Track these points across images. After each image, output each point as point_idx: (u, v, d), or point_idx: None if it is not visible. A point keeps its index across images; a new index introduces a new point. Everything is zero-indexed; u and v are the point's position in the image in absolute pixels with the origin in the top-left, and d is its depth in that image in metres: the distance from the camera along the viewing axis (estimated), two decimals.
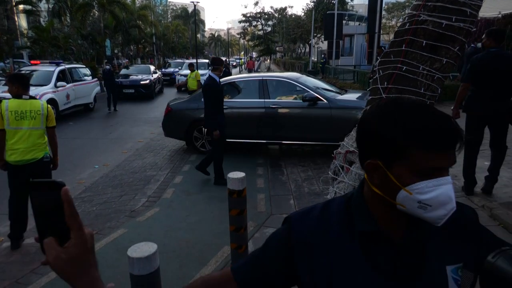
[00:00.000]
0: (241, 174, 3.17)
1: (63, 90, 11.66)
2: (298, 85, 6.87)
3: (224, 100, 6.03)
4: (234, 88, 7.42)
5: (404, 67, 1.60)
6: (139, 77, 17.66)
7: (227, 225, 3.38)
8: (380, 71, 1.67)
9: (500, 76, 3.98)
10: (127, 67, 22.40)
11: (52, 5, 30.51)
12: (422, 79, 1.58)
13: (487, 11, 11.97)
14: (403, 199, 0.76)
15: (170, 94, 18.98)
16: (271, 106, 6.74)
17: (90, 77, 14.52)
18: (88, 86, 13.73)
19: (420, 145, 0.73)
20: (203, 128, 7.06)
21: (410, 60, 1.60)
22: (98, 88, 14.91)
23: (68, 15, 31.11)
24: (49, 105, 3.98)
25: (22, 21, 36.54)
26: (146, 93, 16.97)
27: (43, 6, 31.91)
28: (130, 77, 17.87)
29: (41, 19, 30.51)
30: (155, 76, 18.63)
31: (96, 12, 32.36)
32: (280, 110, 6.72)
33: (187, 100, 7.70)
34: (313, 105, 6.49)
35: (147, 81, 17.25)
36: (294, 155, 7.10)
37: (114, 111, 13.52)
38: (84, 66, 15.67)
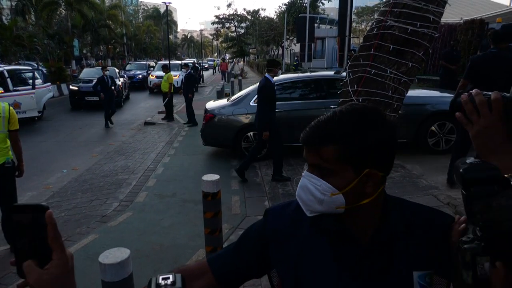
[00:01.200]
0: (215, 177, 3.16)
1: None
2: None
3: (280, 102, 5.94)
4: (289, 89, 7.00)
5: (373, 71, 1.66)
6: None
7: (202, 228, 3.36)
8: (350, 74, 1.73)
9: (496, 76, 4.12)
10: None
11: (15, 3, 29.17)
12: (389, 82, 1.65)
13: (449, 17, 12.56)
14: None
15: (137, 100, 18.50)
16: (331, 106, 6.24)
17: (41, 81, 12.30)
18: (37, 93, 11.06)
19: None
20: (251, 134, 6.69)
21: (378, 64, 1.67)
22: (50, 95, 12.56)
23: (33, 13, 29.87)
24: (11, 107, 3.79)
25: None
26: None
27: (5, 3, 30.48)
28: (93, 82, 14.79)
29: (3, 17, 29.08)
30: (121, 80, 16.54)
31: (63, 10, 31.27)
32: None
33: (232, 104, 7.02)
34: None
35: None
36: (268, 157, 7.15)
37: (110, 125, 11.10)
38: (33, 68, 13.04)
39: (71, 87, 15.15)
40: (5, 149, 3.71)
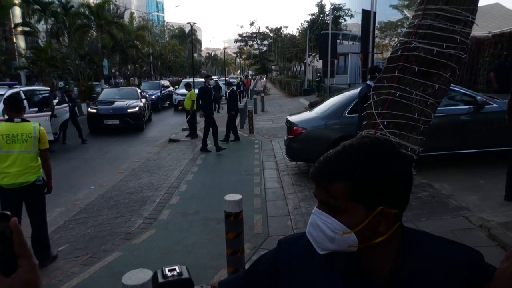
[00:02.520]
0: (237, 197, 3.16)
1: None
2: (459, 90, 6.43)
3: None
4: None
5: (398, 93, 1.63)
6: (125, 103, 13.82)
7: (224, 247, 3.33)
8: (374, 96, 1.70)
9: None
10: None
11: (50, 26, 30.90)
12: (415, 105, 1.61)
13: (477, 31, 12.27)
14: None
15: (162, 118, 18.88)
16: (434, 114, 6.23)
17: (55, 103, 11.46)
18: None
19: None
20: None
21: (403, 86, 1.64)
22: (67, 116, 11.64)
23: (66, 35, 31.51)
24: (42, 127, 3.95)
25: (21, 42, 36.87)
26: (135, 124, 13.37)
27: (41, 27, 32.29)
28: (115, 103, 13.98)
29: (40, 40, 30.80)
30: (143, 101, 15.12)
31: (94, 32, 32.80)
32: (446, 118, 6.12)
33: (323, 117, 6.63)
34: (479, 109, 6.11)
35: (136, 109, 13.56)
36: (294, 173, 7.09)
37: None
38: (49, 89, 12.04)
39: (89, 109, 13.92)
40: (36, 167, 3.86)
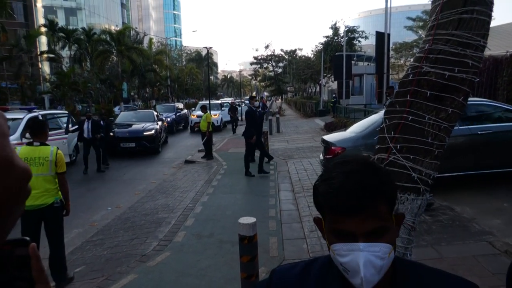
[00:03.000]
0: (252, 219, 3.15)
1: None
2: (502, 106, 6.37)
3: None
4: None
5: (410, 117, 1.63)
6: (141, 126, 13.76)
7: (239, 270, 3.30)
8: (387, 121, 1.71)
9: None
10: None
11: (74, 52, 32.27)
12: (428, 129, 1.60)
13: (494, 50, 12.14)
14: (333, 259, 0.78)
15: (178, 139, 19.12)
16: (478, 132, 6.07)
17: (74, 126, 12.22)
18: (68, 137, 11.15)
19: (327, 206, 0.75)
20: None
21: (416, 110, 1.64)
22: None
23: (88, 61, 32.81)
24: (59, 151, 4.06)
25: (46, 67, 38.61)
26: (151, 147, 13.30)
27: (65, 53, 33.76)
28: (131, 126, 13.93)
29: (63, 65, 32.13)
30: (160, 124, 15.05)
31: (115, 57, 34.03)
32: (491, 136, 6.06)
33: (363, 136, 6.58)
34: None
35: (152, 132, 13.49)
36: (309, 195, 7.02)
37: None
38: (67, 113, 13.01)
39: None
40: (54, 190, 3.96)
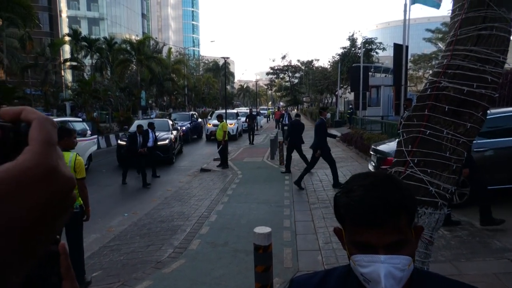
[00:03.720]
0: (267, 229, 3.16)
1: None
2: None
3: (481, 140, 5.73)
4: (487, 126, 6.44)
5: (428, 131, 1.63)
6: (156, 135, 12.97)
7: (253, 280, 3.31)
8: (404, 134, 1.72)
9: None
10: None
11: (95, 61, 33.23)
12: (446, 143, 1.60)
13: None
14: (353, 269, 0.79)
15: (194, 148, 19.23)
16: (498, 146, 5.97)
17: (89, 133, 12.68)
18: (81, 145, 10.92)
19: (348, 219, 0.78)
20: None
21: (434, 125, 1.64)
22: (94, 148, 12.57)
23: (109, 69, 33.70)
24: (78, 157, 4.17)
25: (68, 75, 39.84)
26: (164, 157, 12.90)
27: (87, 61, 34.79)
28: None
29: (85, 73, 33.09)
30: (175, 133, 14.65)
31: (134, 66, 34.86)
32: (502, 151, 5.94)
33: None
34: None
35: (166, 141, 13.23)
36: (324, 206, 6.98)
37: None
38: (81, 120, 13.47)
39: (119, 141, 13.58)
40: None
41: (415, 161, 1.60)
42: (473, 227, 5.26)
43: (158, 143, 12.41)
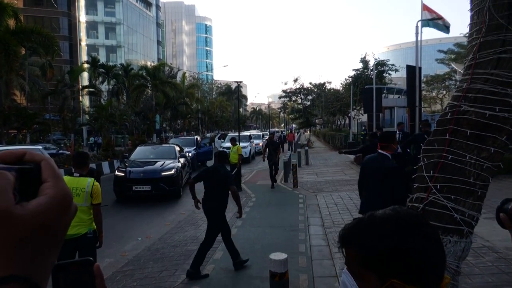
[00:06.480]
0: (283, 256, 3.09)
1: None
2: None
3: None
4: None
5: (450, 156, 1.59)
6: (159, 164, 11.25)
7: None
8: (425, 159, 1.68)
9: None
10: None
11: (112, 86, 34.22)
12: (470, 168, 1.55)
13: None
14: None
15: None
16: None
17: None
18: None
19: None
20: None
21: (456, 149, 1.60)
22: None
23: (125, 94, 34.61)
24: (96, 183, 4.21)
25: (85, 100, 41.03)
26: (170, 190, 10.72)
27: (104, 87, 35.86)
28: (146, 165, 11.30)
29: (102, 99, 34.03)
30: (182, 160, 12.46)
31: (149, 91, 35.72)
32: None
33: None
34: None
35: (172, 171, 10.97)
36: (339, 231, 6.81)
37: None
38: (54, 148, 12.45)
39: (116, 172, 11.24)
40: (88, 221, 4.09)
41: (438, 187, 1.55)
42: (497, 253, 5.03)
43: (162, 173, 10.74)
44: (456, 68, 35.70)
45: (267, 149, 12.89)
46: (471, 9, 1.65)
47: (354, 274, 0.79)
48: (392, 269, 0.74)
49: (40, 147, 13.18)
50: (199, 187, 5.74)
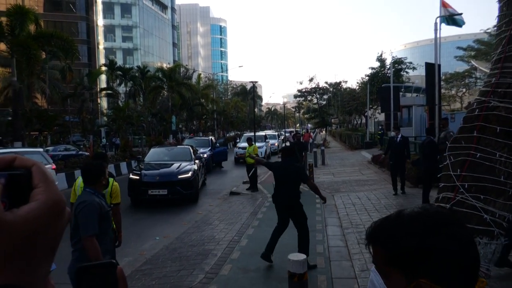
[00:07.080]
0: (302, 256, 3.06)
1: None
2: None
3: None
4: None
5: (478, 154, 1.53)
6: (175, 167, 10.82)
7: None
8: (451, 157, 1.62)
9: None
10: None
11: (129, 88, 34.79)
12: (500, 167, 1.49)
13: None
14: None
15: (220, 172, 19.23)
16: None
17: (50, 166, 10.78)
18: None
19: None
20: None
21: (484, 147, 1.54)
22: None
23: (142, 96, 35.14)
24: (115, 182, 4.23)
25: (103, 102, 41.85)
26: (187, 194, 10.33)
27: (121, 89, 36.49)
28: (161, 169, 10.85)
29: (119, 101, 34.63)
30: (198, 162, 12.04)
31: (166, 92, 36.15)
32: None
33: None
34: None
35: (189, 174, 10.54)
36: (359, 231, 6.72)
37: None
38: (41, 150, 11.51)
39: (131, 175, 10.77)
40: None
41: (466, 186, 1.49)
42: None
43: (179, 176, 10.31)
44: (477, 65, 34.77)
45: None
46: (499, 0, 1.58)
47: (382, 272, 0.78)
48: (419, 268, 0.72)
49: (41, 149, 13.21)
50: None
